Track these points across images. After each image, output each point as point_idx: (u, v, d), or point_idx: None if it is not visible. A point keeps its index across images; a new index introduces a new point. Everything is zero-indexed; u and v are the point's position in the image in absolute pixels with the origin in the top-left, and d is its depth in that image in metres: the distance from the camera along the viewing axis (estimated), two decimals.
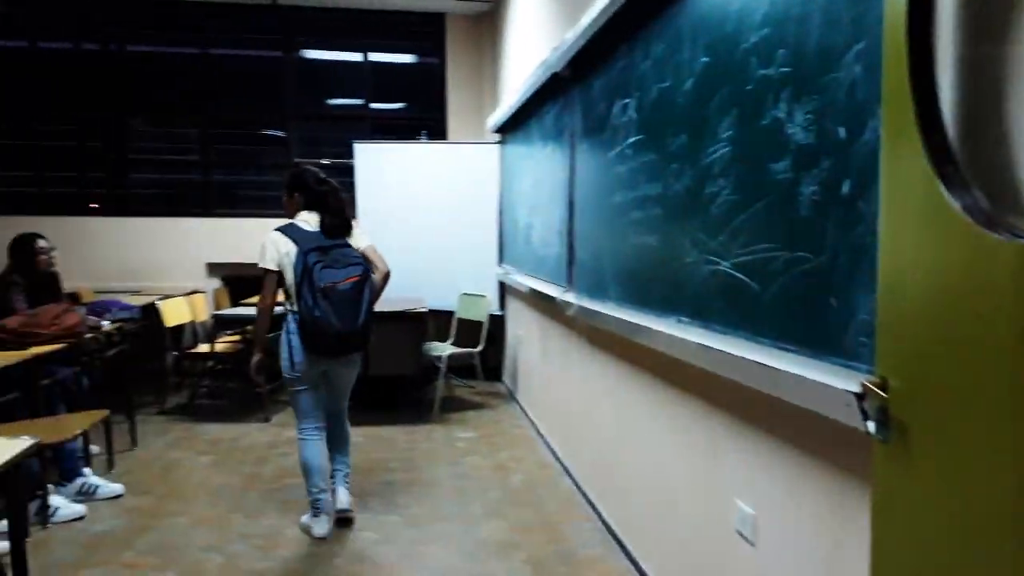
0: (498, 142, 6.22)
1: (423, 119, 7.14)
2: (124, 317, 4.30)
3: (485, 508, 3.63)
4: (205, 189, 6.88)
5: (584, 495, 3.71)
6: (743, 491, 2.10)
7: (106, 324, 4.09)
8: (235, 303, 6.49)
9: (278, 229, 3.20)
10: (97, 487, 3.65)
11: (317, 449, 3.28)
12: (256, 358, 3.25)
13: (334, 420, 3.45)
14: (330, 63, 7.17)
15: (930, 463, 1.08)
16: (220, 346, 5.62)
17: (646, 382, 2.86)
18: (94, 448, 4.20)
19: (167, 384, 5.90)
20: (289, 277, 3.15)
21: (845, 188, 1.50)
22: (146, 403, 5.48)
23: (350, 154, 6.43)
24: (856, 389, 1.32)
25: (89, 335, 3.80)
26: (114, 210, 6.75)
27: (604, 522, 3.35)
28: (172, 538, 3.24)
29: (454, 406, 5.60)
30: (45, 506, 3.32)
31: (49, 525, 3.32)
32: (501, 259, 6.23)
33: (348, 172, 6.56)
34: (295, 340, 3.15)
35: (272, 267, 3.16)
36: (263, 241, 3.18)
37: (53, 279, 4.21)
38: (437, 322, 6.20)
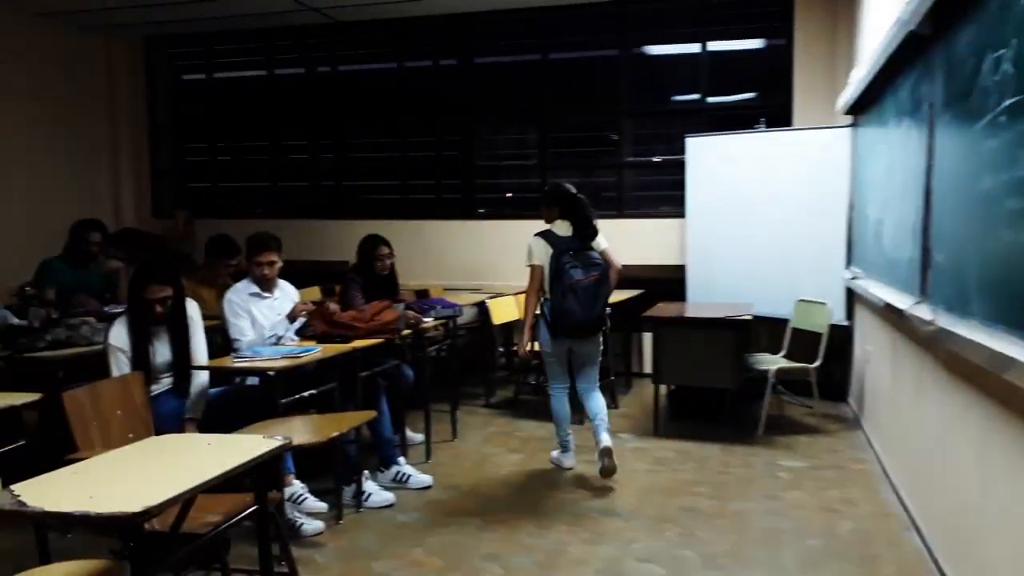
0: (849, 125, 5.37)
1: (764, 108, 6.49)
2: (447, 315, 4.50)
3: (800, 559, 3.04)
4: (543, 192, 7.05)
5: (934, 560, 2.92)
6: None
7: (429, 320, 4.30)
8: None
9: (538, 234, 3.97)
10: (409, 476, 3.84)
11: (563, 403, 4.08)
12: (525, 337, 3.99)
13: (587, 392, 4.07)
14: (666, 57, 6.89)
15: None
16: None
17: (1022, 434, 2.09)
18: (418, 436, 4.47)
19: (494, 379, 6.15)
20: (546, 274, 3.88)
21: None
22: (475, 395, 5.75)
23: (681, 150, 6.10)
24: None
25: (408, 331, 4.02)
26: (462, 213, 7.25)
27: None
28: (460, 539, 3.25)
29: (782, 427, 4.94)
30: (360, 491, 3.56)
31: (362, 509, 3.55)
32: (849, 261, 5.37)
33: (676, 169, 6.24)
34: (546, 323, 3.92)
35: (537, 263, 3.93)
36: (528, 243, 3.99)
37: (390, 278, 4.57)
38: (770, 331, 5.57)
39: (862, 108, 4.93)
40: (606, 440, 3.90)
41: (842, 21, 6.03)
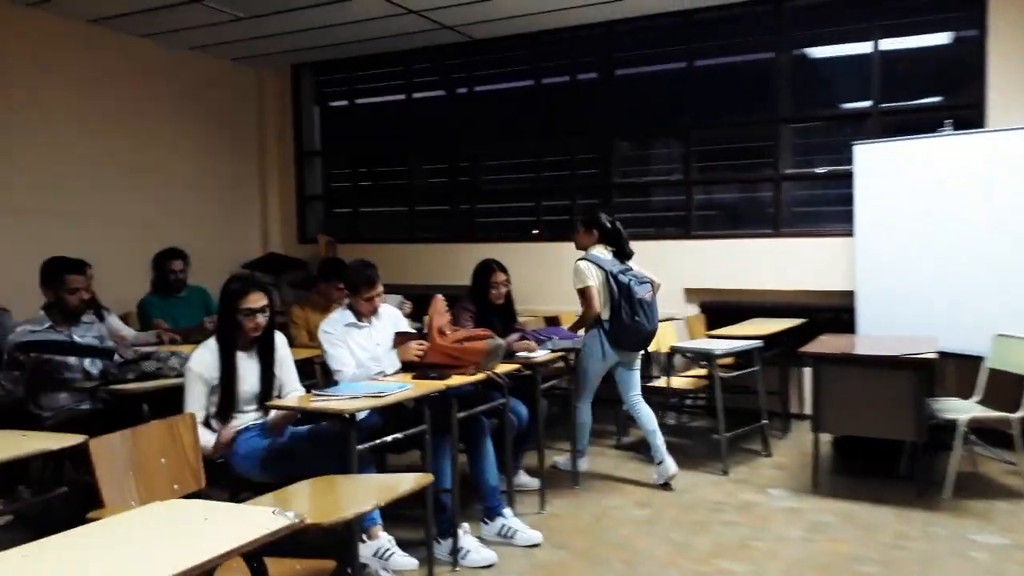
0: None
1: (949, 109, 5.55)
2: (564, 347, 4.05)
3: None
4: (687, 210, 6.46)
5: None
6: None
7: (542, 354, 3.88)
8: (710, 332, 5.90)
9: (584, 258, 4.23)
10: (516, 532, 3.41)
11: (589, 413, 4.36)
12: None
13: (638, 402, 4.30)
14: (829, 59, 6.12)
15: None
16: (682, 381, 5.11)
17: None
18: (535, 482, 4.03)
19: (627, 416, 5.58)
20: (603, 294, 4.13)
21: None
22: (607, 433, 5.22)
23: (848, 160, 5.32)
24: None
25: (512, 365, 3.61)
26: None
27: None
28: None
29: (976, 489, 4.05)
30: (457, 547, 3.18)
31: (458, 568, 3.16)
32: None
33: (841, 181, 5.47)
34: (606, 338, 4.14)
35: (592, 284, 4.15)
36: (578, 265, 4.21)
37: (506, 306, 4.24)
38: (958, 371, 4.65)
39: None
40: (673, 467, 4.16)
41: None
